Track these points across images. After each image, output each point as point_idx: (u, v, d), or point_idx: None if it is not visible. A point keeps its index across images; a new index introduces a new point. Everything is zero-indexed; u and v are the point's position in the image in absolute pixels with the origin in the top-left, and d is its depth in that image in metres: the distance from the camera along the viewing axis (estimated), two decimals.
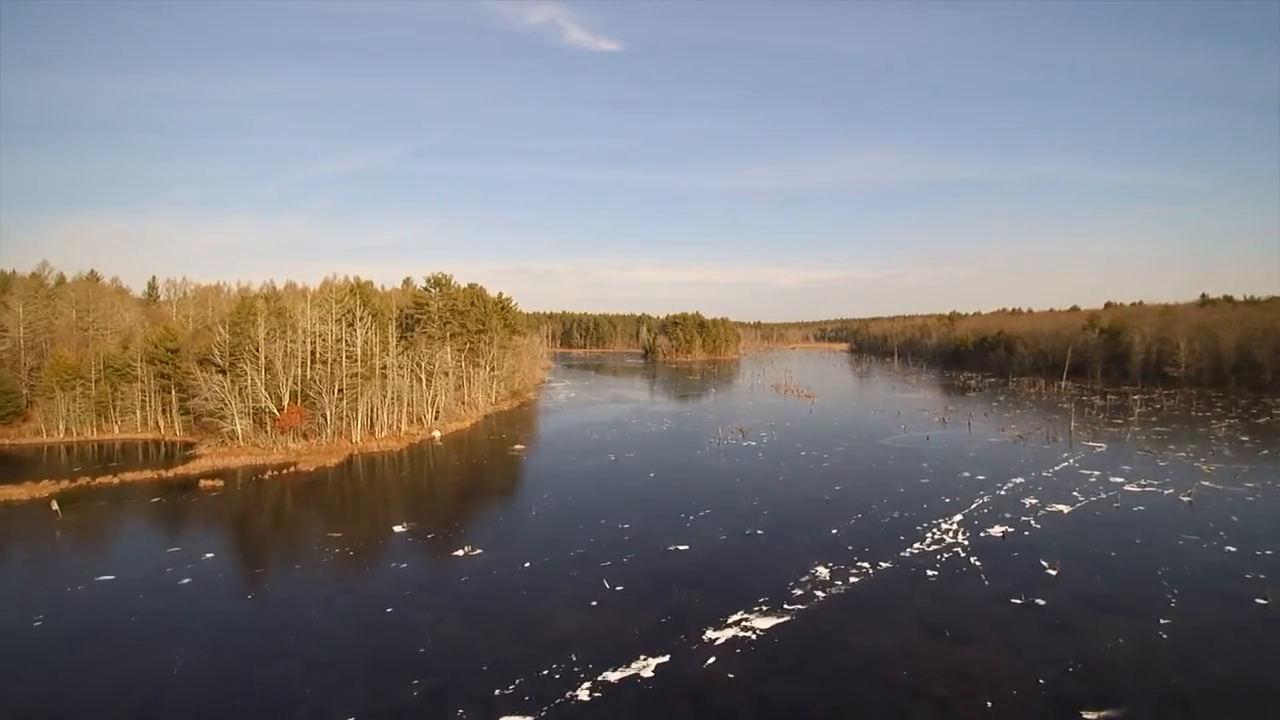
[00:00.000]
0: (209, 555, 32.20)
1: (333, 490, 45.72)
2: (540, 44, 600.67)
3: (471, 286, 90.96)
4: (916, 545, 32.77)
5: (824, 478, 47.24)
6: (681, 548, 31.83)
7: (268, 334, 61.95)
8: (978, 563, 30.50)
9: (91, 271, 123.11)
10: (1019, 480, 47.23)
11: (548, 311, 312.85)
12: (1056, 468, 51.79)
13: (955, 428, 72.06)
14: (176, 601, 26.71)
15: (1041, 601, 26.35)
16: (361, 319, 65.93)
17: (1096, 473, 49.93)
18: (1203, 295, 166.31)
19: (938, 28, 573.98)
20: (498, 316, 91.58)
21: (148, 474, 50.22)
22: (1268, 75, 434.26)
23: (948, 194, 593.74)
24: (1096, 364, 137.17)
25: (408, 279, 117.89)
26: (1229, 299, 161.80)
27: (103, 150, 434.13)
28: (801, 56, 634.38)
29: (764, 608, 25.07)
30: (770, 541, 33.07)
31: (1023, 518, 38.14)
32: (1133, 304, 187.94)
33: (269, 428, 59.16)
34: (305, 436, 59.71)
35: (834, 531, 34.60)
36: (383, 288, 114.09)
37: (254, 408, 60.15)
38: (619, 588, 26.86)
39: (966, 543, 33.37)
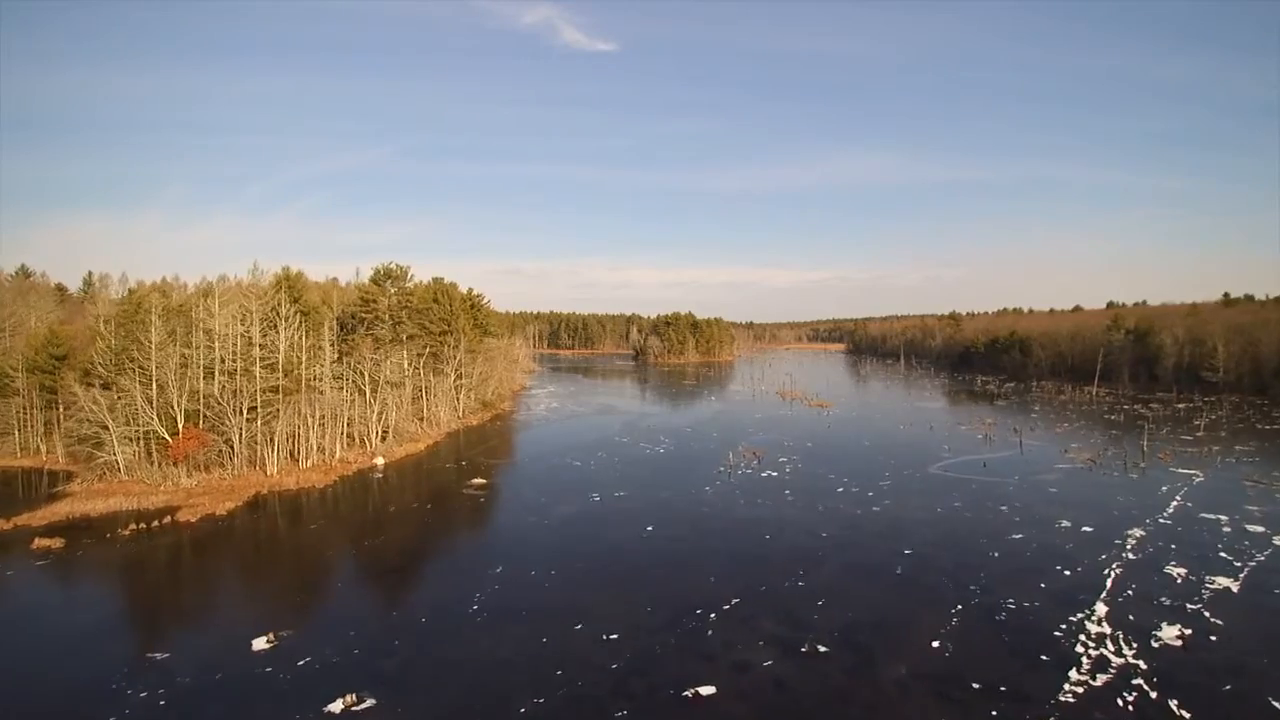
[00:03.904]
0: None
1: (203, 559, 32.99)
2: (535, 44, 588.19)
3: (436, 281, 78.33)
4: (1073, 674, 20.73)
5: (882, 533, 35.12)
6: (705, 691, 19.48)
7: (164, 339, 48.94)
8: (1187, 715, 18.58)
9: (22, 267, 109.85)
10: (1137, 533, 35.52)
11: (535, 311, 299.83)
12: (1169, 510, 40.27)
13: (1005, 448, 60.46)
14: None
15: None
16: (288, 318, 52.98)
17: (1224, 517, 38.52)
18: (1225, 294, 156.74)
19: (932, 30, 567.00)
20: (466, 316, 78.92)
21: None
22: (1262, 78, 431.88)
23: (940, 195, 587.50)
24: (1123, 368, 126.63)
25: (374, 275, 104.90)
26: (1250, 298, 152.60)
27: (92, 150, 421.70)
28: (795, 58, 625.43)
29: None
30: (845, 671, 20.84)
31: (1188, 604, 26.42)
32: (1135, 304, 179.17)
33: (155, 458, 46.24)
34: (206, 469, 46.82)
35: (934, 644, 22.50)
36: (347, 285, 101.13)
37: (144, 432, 47.21)
38: None
39: (1144, 664, 21.42)
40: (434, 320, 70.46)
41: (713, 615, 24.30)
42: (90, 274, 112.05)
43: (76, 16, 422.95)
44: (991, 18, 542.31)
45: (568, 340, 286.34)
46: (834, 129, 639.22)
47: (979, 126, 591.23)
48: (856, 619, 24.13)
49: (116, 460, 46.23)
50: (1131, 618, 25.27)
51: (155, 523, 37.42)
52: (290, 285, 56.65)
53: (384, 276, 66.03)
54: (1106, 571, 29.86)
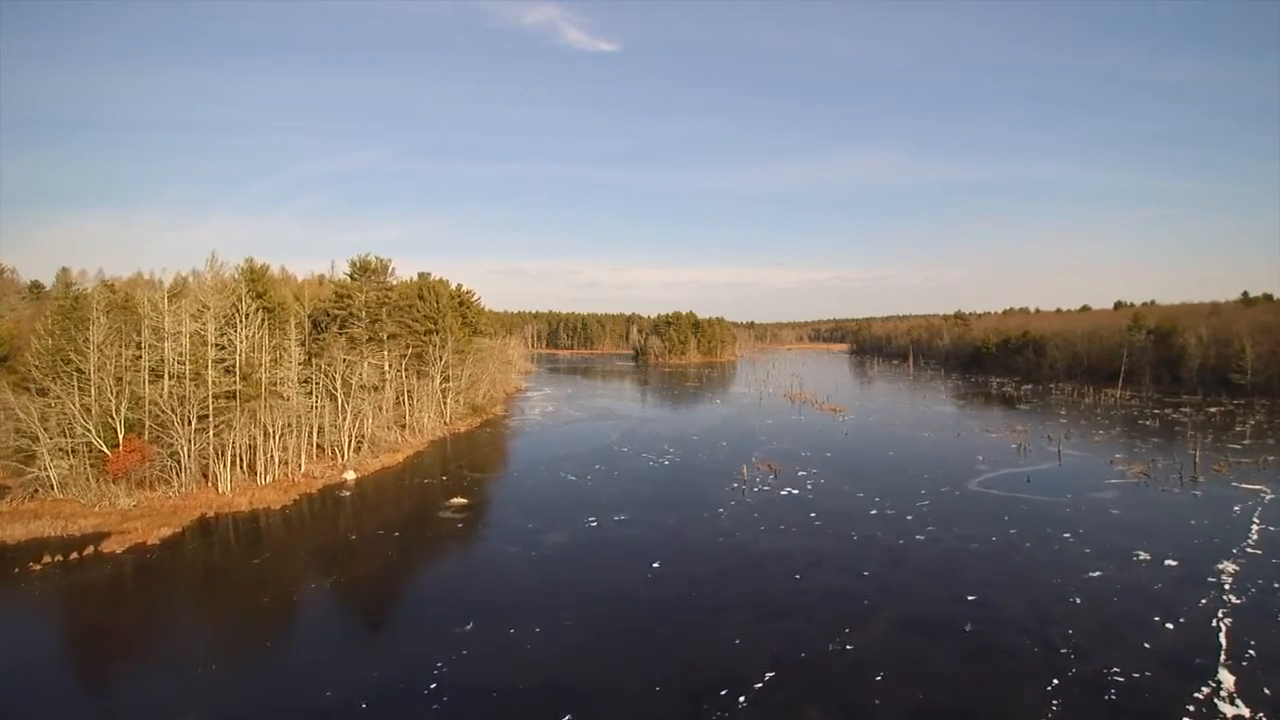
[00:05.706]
0: None
1: (115, 606, 27.36)
2: (537, 44, 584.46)
3: (422, 276, 72.97)
4: None
5: (935, 571, 29.57)
6: None
7: (105, 339, 43.42)
8: None
9: None
10: (1229, 567, 30.12)
11: (534, 311, 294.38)
12: (1252, 536, 34.89)
13: (1044, 459, 55.02)
14: None
15: None
16: (248, 316, 47.39)
17: None
18: (1245, 293, 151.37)
19: (934, 30, 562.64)
20: (454, 313, 73.42)
21: None
22: (1262, 78, 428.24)
23: (940, 196, 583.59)
24: (1145, 369, 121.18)
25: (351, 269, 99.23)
26: (1269, 297, 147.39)
27: (92, 150, 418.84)
28: (797, 58, 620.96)
29: None
30: None
31: None
32: (1144, 303, 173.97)
33: (90, 474, 40.65)
34: (150, 486, 41.29)
35: None
36: (326, 280, 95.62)
37: (83, 444, 41.66)
38: None
39: None
40: (418, 318, 64.99)
41: (742, 699, 18.72)
42: (65, 270, 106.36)
43: (76, 16, 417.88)
44: (992, 18, 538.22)
45: (567, 340, 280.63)
46: (835, 129, 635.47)
47: (979, 126, 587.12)
48: (930, 703, 18.61)
49: (49, 476, 40.71)
50: (1267, 690, 19.94)
51: (75, 554, 31.87)
52: (254, 279, 51.06)
53: (361, 270, 60.47)
54: (1214, 623, 24.46)
